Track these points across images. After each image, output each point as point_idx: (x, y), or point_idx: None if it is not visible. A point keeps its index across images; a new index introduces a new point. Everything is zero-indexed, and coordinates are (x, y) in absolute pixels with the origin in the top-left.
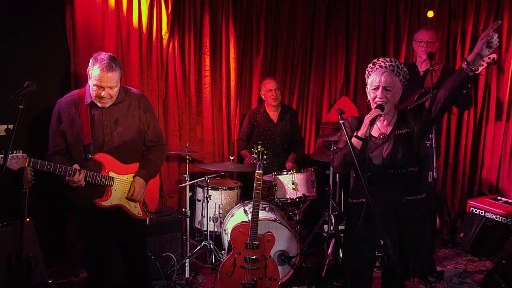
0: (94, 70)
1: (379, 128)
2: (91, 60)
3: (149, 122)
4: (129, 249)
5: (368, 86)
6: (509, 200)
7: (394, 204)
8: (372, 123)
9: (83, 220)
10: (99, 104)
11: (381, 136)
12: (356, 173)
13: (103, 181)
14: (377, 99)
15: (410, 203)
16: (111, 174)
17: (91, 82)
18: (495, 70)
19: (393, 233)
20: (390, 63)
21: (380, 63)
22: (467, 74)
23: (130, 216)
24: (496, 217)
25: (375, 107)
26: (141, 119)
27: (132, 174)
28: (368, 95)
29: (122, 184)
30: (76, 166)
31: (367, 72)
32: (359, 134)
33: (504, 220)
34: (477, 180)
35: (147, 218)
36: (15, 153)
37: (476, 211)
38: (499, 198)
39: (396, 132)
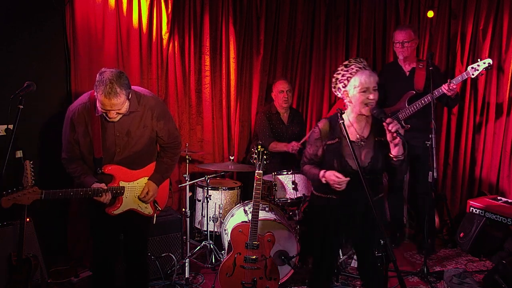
0: (97, 93)
1: (357, 131)
2: (97, 75)
3: (163, 129)
4: (134, 247)
5: (351, 89)
6: (509, 200)
7: (362, 206)
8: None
9: (95, 221)
10: (108, 119)
11: (360, 141)
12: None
13: (113, 192)
14: (370, 101)
15: (374, 203)
16: (122, 183)
17: (97, 102)
18: (495, 70)
19: (356, 234)
20: (364, 63)
21: (356, 65)
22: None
23: (141, 216)
24: (496, 217)
25: (384, 115)
26: (153, 129)
27: (143, 178)
28: (345, 97)
29: (133, 189)
30: (102, 185)
31: (340, 76)
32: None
33: (504, 220)
34: (477, 180)
35: (155, 216)
36: (27, 189)
37: (476, 211)
38: (499, 198)
39: (375, 139)
